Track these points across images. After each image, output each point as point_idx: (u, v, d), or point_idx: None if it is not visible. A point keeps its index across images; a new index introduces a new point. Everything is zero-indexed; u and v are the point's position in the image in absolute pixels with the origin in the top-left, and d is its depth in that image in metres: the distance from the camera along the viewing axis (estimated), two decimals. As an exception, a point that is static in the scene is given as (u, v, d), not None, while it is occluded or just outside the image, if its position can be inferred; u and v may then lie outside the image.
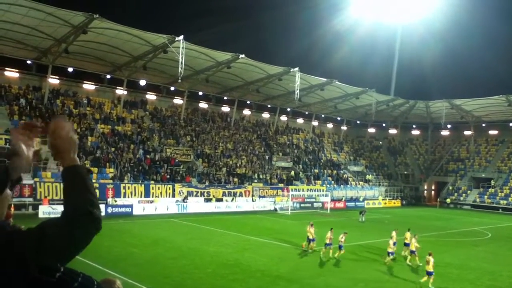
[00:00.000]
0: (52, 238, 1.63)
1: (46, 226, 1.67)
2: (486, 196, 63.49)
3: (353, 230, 33.90)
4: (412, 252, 22.30)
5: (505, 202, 60.77)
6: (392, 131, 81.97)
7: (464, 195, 66.00)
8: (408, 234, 24.35)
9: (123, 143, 46.22)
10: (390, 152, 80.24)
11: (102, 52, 45.07)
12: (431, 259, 18.08)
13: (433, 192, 73.42)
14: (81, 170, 1.79)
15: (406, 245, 23.60)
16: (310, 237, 24.18)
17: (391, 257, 22.02)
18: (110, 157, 43.03)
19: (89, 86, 52.09)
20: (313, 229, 24.37)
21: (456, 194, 66.76)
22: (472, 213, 56.44)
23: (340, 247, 22.57)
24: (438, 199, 66.62)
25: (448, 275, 20.16)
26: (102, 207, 36.52)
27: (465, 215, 52.86)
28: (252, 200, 47.91)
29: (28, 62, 46.79)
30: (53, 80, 48.32)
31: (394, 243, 22.71)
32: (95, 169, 40.05)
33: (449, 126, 75.89)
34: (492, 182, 65.26)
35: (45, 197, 35.17)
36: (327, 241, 22.75)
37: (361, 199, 59.34)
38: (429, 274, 17.90)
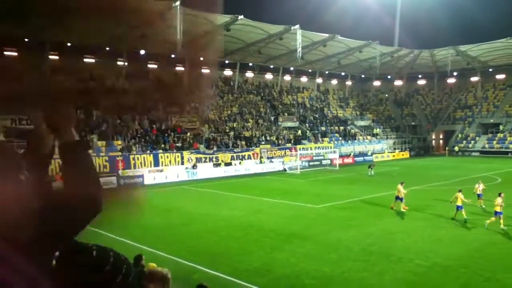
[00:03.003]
0: (51, 221, 1.54)
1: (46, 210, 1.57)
2: (495, 142, 63.26)
3: (363, 185, 34.24)
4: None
5: (514, 146, 60.59)
6: (398, 82, 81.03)
7: (472, 142, 65.80)
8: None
9: (128, 115, 46.25)
10: (396, 104, 79.67)
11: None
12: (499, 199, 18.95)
13: (441, 141, 73.32)
14: (78, 146, 1.64)
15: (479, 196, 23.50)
16: (400, 196, 23.27)
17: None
18: (116, 130, 43.20)
19: (89, 60, 51.53)
20: (403, 188, 23.45)
21: (464, 141, 66.57)
22: (481, 159, 56.48)
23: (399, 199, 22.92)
24: (446, 148, 66.55)
25: (460, 221, 20.39)
26: (113, 179, 36.97)
27: (474, 162, 52.93)
28: (261, 162, 48.20)
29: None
30: (51, 56, 47.81)
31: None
32: (103, 143, 40.34)
33: (455, 73, 74.85)
34: (501, 127, 64.87)
35: (57, 173, 35.53)
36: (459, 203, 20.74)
37: (369, 153, 59.43)
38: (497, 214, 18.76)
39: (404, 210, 22.86)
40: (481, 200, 23.54)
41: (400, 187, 23.41)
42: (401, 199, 23.14)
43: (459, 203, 20.42)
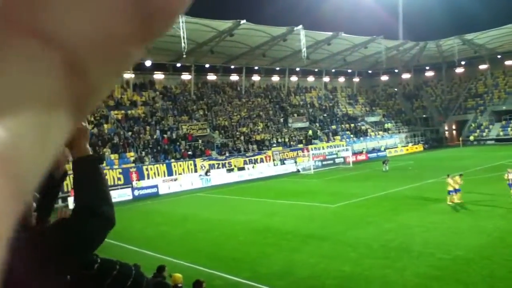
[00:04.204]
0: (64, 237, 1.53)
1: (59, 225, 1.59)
2: (509, 129, 62.35)
3: (378, 181, 34.01)
4: None
5: (529, 132, 59.64)
6: (406, 76, 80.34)
7: (486, 130, 64.97)
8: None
9: (139, 126, 46.58)
10: (406, 98, 79.06)
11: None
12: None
13: (454, 132, 72.50)
14: (93, 162, 1.63)
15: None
16: (451, 189, 22.41)
17: None
18: (128, 142, 43.51)
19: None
20: (451, 180, 22.49)
21: (478, 130, 65.77)
22: (497, 147, 55.68)
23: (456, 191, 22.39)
24: (460, 138, 65.80)
25: (478, 212, 20.15)
26: (128, 191, 37.17)
27: (489, 150, 52.21)
28: (274, 165, 48.13)
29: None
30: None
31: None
32: (116, 156, 40.62)
33: (463, 63, 73.95)
34: (514, 114, 63.97)
35: (72, 188, 35.75)
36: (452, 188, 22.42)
37: (382, 149, 59.01)
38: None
39: (459, 201, 22.17)
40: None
41: (450, 180, 22.50)
42: (455, 191, 22.36)
43: None
